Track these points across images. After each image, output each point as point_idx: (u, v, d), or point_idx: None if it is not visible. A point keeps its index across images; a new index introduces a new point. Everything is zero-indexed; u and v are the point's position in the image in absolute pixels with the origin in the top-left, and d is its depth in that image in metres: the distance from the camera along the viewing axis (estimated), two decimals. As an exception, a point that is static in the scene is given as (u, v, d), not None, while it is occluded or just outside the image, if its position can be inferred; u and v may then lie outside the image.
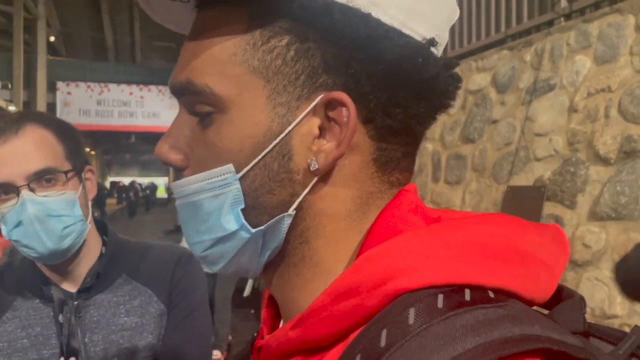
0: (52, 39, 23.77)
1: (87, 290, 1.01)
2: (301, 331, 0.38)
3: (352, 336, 0.36)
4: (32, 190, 0.92)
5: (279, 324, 0.49)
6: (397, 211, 0.41)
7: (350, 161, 0.41)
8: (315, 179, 0.40)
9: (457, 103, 3.82)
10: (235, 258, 0.43)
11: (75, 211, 0.96)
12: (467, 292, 0.34)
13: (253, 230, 0.41)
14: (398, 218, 0.41)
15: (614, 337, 0.38)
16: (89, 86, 21.96)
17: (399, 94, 0.40)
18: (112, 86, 22.30)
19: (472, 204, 3.52)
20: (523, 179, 3.08)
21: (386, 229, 0.40)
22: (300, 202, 0.41)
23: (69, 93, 21.66)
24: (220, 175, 0.41)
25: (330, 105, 0.39)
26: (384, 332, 0.33)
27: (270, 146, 0.39)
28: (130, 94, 22.52)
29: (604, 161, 2.55)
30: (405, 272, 0.35)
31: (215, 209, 0.41)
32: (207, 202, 0.42)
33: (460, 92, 3.78)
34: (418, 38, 0.40)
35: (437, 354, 0.31)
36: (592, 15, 2.80)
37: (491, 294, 0.35)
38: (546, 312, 0.38)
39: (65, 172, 0.96)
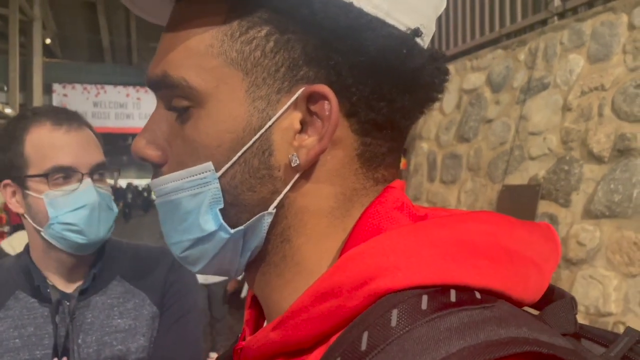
0: (47, 41, 23.70)
1: (83, 292, 1.02)
2: (282, 333, 0.37)
3: (334, 338, 0.35)
4: (93, 180, 0.98)
5: (262, 325, 0.48)
6: (381, 208, 0.39)
7: (332, 156, 0.39)
8: (297, 176, 0.38)
9: (452, 102, 3.83)
10: (215, 259, 0.41)
11: (114, 207, 1.03)
12: (453, 293, 0.33)
13: (232, 231, 0.39)
14: (382, 216, 0.39)
15: (605, 339, 0.37)
16: (85, 88, 21.91)
17: (383, 87, 0.38)
18: (108, 88, 22.25)
19: (467, 203, 3.52)
20: (518, 178, 3.09)
21: (370, 227, 0.39)
22: (282, 199, 0.39)
23: (65, 95, 21.61)
24: (200, 174, 0.39)
25: (311, 98, 0.38)
26: (365, 335, 0.32)
27: (251, 142, 0.38)
28: (127, 95, 22.48)
29: (598, 159, 2.56)
30: (389, 271, 0.34)
31: (194, 208, 0.40)
32: (186, 200, 0.40)
33: (455, 92, 3.79)
34: (402, 28, 0.38)
35: (420, 358, 0.29)
36: (585, 14, 2.81)
37: (478, 295, 0.34)
38: (536, 312, 0.37)
39: (111, 171, 1.04)
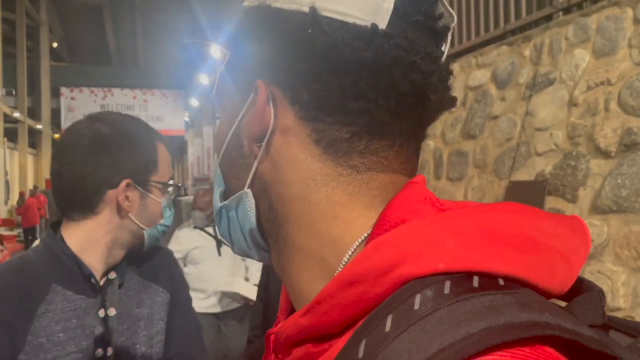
0: (54, 45, 23.85)
1: (112, 284, 1.08)
2: (311, 319, 0.39)
3: (361, 323, 0.36)
4: None
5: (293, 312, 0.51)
6: (405, 201, 0.41)
7: (286, 143, 0.43)
8: (256, 161, 0.45)
9: (458, 99, 3.82)
10: (231, 237, 0.50)
11: None
12: (476, 279, 0.34)
13: (220, 204, 0.49)
14: (406, 208, 0.40)
15: (635, 330, 0.37)
16: (92, 91, 22.04)
17: (308, 69, 0.40)
18: (115, 91, 22.38)
19: (474, 199, 3.52)
20: (524, 174, 3.08)
21: (393, 219, 0.40)
22: (262, 185, 0.45)
23: (72, 98, 21.75)
24: (214, 166, 0.51)
25: (257, 94, 0.43)
26: (389, 318, 0.33)
27: (227, 138, 0.47)
28: (134, 98, 22.59)
29: (605, 154, 2.55)
30: (413, 258, 0.35)
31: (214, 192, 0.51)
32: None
33: (461, 89, 3.79)
34: (302, 8, 0.40)
35: (441, 337, 0.30)
36: (590, 8, 2.80)
37: (501, 282, 0.34)
38: (564, 304, 0.37)
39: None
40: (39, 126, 20.13)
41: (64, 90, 21.72)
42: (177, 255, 2.42)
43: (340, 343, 0.37)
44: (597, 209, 2.55)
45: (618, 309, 2.35)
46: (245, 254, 0.51)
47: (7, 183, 16.34)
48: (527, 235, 0.37)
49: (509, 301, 0.32)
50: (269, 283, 2.20)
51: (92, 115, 1.09)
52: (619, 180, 2.44)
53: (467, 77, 3.74)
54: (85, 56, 27.25)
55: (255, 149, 0.44)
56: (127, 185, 1.04)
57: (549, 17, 3.14)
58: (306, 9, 0.40)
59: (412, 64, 0.40)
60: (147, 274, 1.17)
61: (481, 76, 3.64)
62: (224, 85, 0.48)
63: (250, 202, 0.46)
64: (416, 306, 0.33)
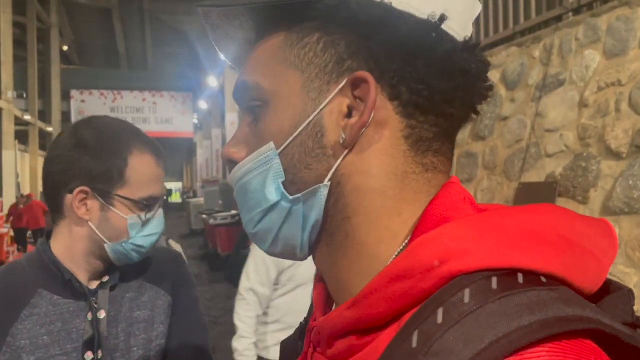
0: (65, 48, 24.05)
1: (104, 287, 1.07)
2: (357, 311, 0.40)
3: (406, 316, 0.38)
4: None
5: (330, 306, 0.52)
6: (446, 200, 0.43)
7: (380, 136, 0.44)
8: (345, 152, 0.44)
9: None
10: (280, 232, 0.47)
11: None
12: (520, 276, 0.36)
13: (291, 197, 0.45)
14: (448, 206, 0.43)
15: None
16: (102, 93, 22.21)
17: (418, 69, 0.43)
18: (125, 93, 22.53)
19: (484, 201, 3.51)
20: (534, 175, 3.07)
21: (437, 217, 0.42)
22: (338, 177, 0.44)
23: (82, 101, 21.92)
24: (264, 154, 0.46)
25: (354, 85, 0.43)
26: (440, 310, 0.35)
27: (304, 124, 0.44)
28: (143, 100, 22.72)
29: (616, 155, 2.54)
30: (459, 255, 0.37)
31: (260, 184, 0.46)
32: (255, 180, 0.47)
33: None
34: (424, 17, 0.43)
35: (493, 329, 0.32)
36: (600, 9, 2.79)
37: (543, 279, 0.36)
38: (594, 305, 0.39)
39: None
40: (50, 128, 20.29)
41: (74, 92, 21.90)
42: (262, 277, 2.12)
43: (384, 336, 0.39)
44: (608, 211, 2.53)
45: (630, 311, 2.34)
46: (284, 253, 0.49)
47: (18, 185, 16.49)
48: (563, 235, 0.39)
49: (554, 296, 0.34)
50: None
51: (87, 117, 1.08)
52: (630, 182, 2.43)
53: (476, 78, 3.74)
54: (94, 59, 27.45)
55: (347, 139, 0.43)
56: (83, 192, 1.00)
57: (558, 18, 3.12)
58: (426, 17, 0.43)
59: (487, 76, 0.46)
60: (149, 276, 1.16)
61: (491, 77, 3.60)
62: (290, 71, 0.46)
63: (324, 194, 0.45)
64: (466, 299, 0.35)
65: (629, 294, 0.39)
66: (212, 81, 19.18)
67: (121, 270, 1.11)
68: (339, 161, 0.44)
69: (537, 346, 0.31)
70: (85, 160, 0.99)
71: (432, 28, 0.43)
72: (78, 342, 1.00)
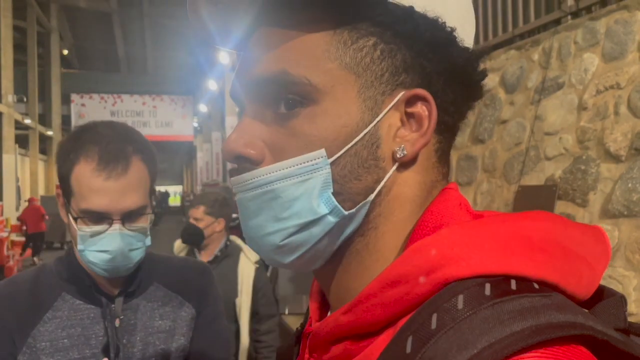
0: (65, 52, 24.07)
1: (125, 295, 1.07)
2: (352, 316, 0.41)
3: (401, 322, 0.38)
4: (123, 224, 0.99)
5: (326, 314, 0.51)
6: (442, 206, 0.44)
7: (422, 150, 0.45)
8: (396, 165, 0.43)
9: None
10: (315, 245, 0.43)
11: (146, 240, 1.04)
12: (513, 282, 0.36)
13: (346, 213, 0.42)
14: (445, 212, 0.43)
15: None
16: (102, 97, 22.23)
17: (457, 93, 0.45)
18: (125, 97, 22.55)
19: (483, 204, 3.51)
20: (534, 179, 3.07)
21: (433, 223, 0.42)
22: (381, 188, 0.43)
23: (83, 105, 21.93)
24: (312, 160, 0.42)
25: (409, 101, 0.43)
26: (435, 316, 0.35)
27: (362, 134, 0.42)
28: (143, 104, 22.74)
29: (615, 158, 2.54)
30: (454, 261, 0.37)
31: (303, 194, 0.42)
32: (293, 187, 0.42)
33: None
34: (468, 45, 0.45)
35: (487, 335, 0.32)
36: (599, 12, 2.79)
37: (535, 285, 0.37)
38: (586, 311, 0.39)
39: (152, 211, 1.04)
40: (50, 132, 20.31)
41: (74, 96, 21.92)
42: None
43: (379, 341, 0.39)
44: (607, 214, 2.53)
45: (630, 314, 2.34)
46: (304, 266, 0.46)
47: (18, 189, 16.48)
48: (557, 243, 0.39)
49: (546, 303, 0.34)
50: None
51: (87, 122, 1.08)
52: (629, 185, 2.43)
53: (475, 82, 3.74)
54: (95, 63, 27.48)
55: (408, 154, 0.43)
56: (59, 195, 1.02)
57: (557, 21, 3.13)
58: (468, 45, 0.45)
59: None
60: (175, 286, 1.14)
61: (490, 80, 3.63)
62: (345, 73, 0.43)
63: (367, 207, 0.43)
64: (460, 305, 0.35)
65: (621, 300, 0.40)
66: (212, 84, 19.18)
67: (145, 279, 1.10)
68: (389, 174, 0.43)
69: (529, 352, 0.32)
70: (57, 165, 1.02)
71: (478, 57, 0.45)
72: (97, 348, 1.01)
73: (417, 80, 0.43)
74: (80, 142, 1.00)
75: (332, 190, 0.42)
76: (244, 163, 0.45)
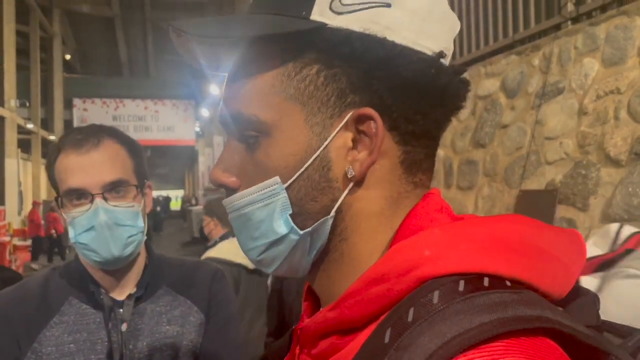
0: (67, 56, 24.14)
1: (133, 299, 1.06)
2: (338, 312, 0.44)
3: (383, 317, 0.41)
4: (105, 199, 0.99)
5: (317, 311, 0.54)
6: (423, 211, 0.46)
7: (380, 166, 0.46)
8: (351, 185, 0.45)
9: (467, 109, 3.83)
10: (287, 258, 0.48)
11: (138, 222, 1.03)
12: (486, 280, 0.39)
13: (301, 232, 0.46)
14: (425, 216, 0.46)
15: (624, 332, 0.42)
16: (104, 102, 22.25)
17: (417, 103, 0.45)
18: (127, 101, 22.57)
19: (484, 209, 3.52)
20: (535, 183, 3.08)
21: (413, 226, 0.45)
22: (340, 205, 0.46)
23: (85, 109, 21.96)
24: (270, 187, 0.46)
25: (359, 120, 0.45)
26: (412, 310, 0.38)
27: (311, 160, 0.45)
28: (145, 108, 22.76)
29: (615, 163, 2.55)
30: (431, 261, 0.40)
31: (267, 217, 0.47)
32: (259, 211, 0.47)
33: (470, 98, 3.79)
34: (429, 52, 0.45)
35: (457, 325, 0.35)
36: (599, 18, 2.80)
37: (508, 283, 0.39)
38: (560, 308, 0.41)
39: (135, 186, 1.04)
40: (52, 137, 20.33)
41: (76, 101, 21.95)
42: None
43: (363, 336, 0.42)
44: (608, 218, 2.54)
45: (631, 319, 2.34)
46: (287, 274, 0.50)
47: (20, 193, 16.52)
48: (531, 243, 0.42)
49: (515, 298, 0.37)
50: (283, 290, 2.22)
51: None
52: (630, 189, 2.44)
53: (476, 87, 3.75)
54: (97, 67, 27.55)
55: (356, 175, 0.45)
56: (55, 199, 1.04)
57: (557, 27, 3.14)
58: (429, 52, 0.45)
59: (465, 93, 0.48)
60: (184, 290, 1.12)
61: (490, 85, 3.64)
62: (290, 104, 0.45)
63: (329, 224, 0.46)
64: (435, 300, 0.38)
65: (594, 298, 0.43)
66: (214, 89, 19.21)
67: (153, 282, 1.09)
68: (344, 193, 0.46)
69: (495, 341, 0.34)
70: (45, 167, 1.04)
71: (432, 64, 0.45)
72: (102, 353, 1.01)
73: (366, 99, 0.44)
74: (61, 141, 1.04)
75: (291, 211, 0.46)
76: (225, 189, 0.50)
